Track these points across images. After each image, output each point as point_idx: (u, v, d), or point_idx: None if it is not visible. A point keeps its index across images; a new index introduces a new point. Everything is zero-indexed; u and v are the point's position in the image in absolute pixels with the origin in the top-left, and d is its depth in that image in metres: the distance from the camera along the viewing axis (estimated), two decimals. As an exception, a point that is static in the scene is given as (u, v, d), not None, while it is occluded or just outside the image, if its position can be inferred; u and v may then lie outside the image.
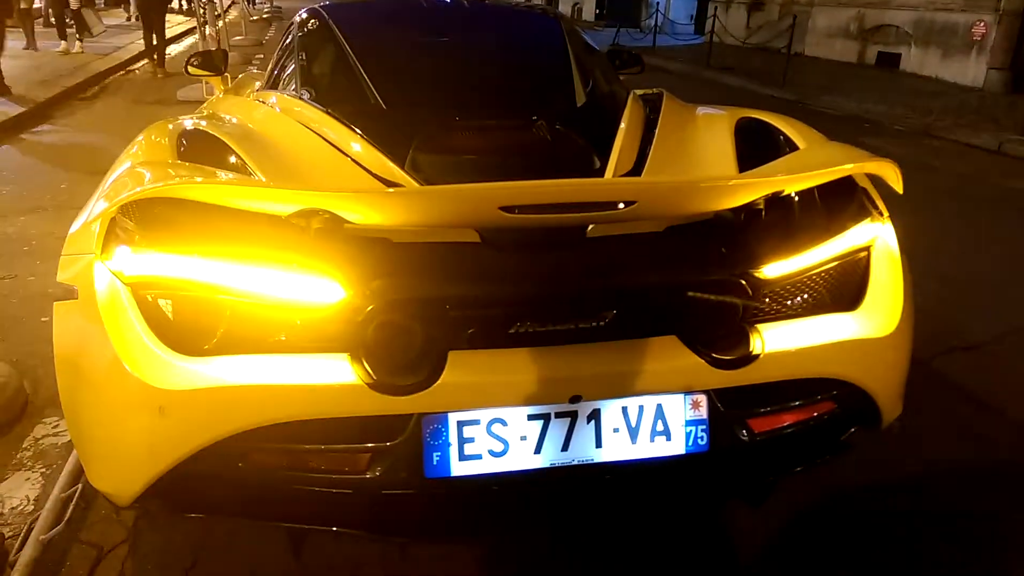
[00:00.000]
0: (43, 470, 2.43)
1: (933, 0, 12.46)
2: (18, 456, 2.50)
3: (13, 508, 2.25)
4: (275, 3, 25.41)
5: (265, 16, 22.27)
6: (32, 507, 2.25)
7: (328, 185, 1.93)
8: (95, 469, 1.73)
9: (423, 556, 2.13)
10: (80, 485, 2.24)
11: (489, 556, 2.16)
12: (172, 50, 14.78)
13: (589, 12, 25.16)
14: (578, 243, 1.72)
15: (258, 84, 3.45)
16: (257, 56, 13.06)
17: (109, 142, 5.85)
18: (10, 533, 2.12)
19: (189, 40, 15.74)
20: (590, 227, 1.73)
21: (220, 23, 11.20)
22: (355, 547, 2.13)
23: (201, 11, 10.51)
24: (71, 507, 2.18)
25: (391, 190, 1.82)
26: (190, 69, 3.80)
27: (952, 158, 7.61)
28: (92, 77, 10.70)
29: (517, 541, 2.19)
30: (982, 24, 11.44)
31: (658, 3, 19.58)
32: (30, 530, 2.10)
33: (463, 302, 1.66)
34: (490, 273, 1.68)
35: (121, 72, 11.88)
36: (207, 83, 5.89)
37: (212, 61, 3.82)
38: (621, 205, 1.59)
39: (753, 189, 1.69)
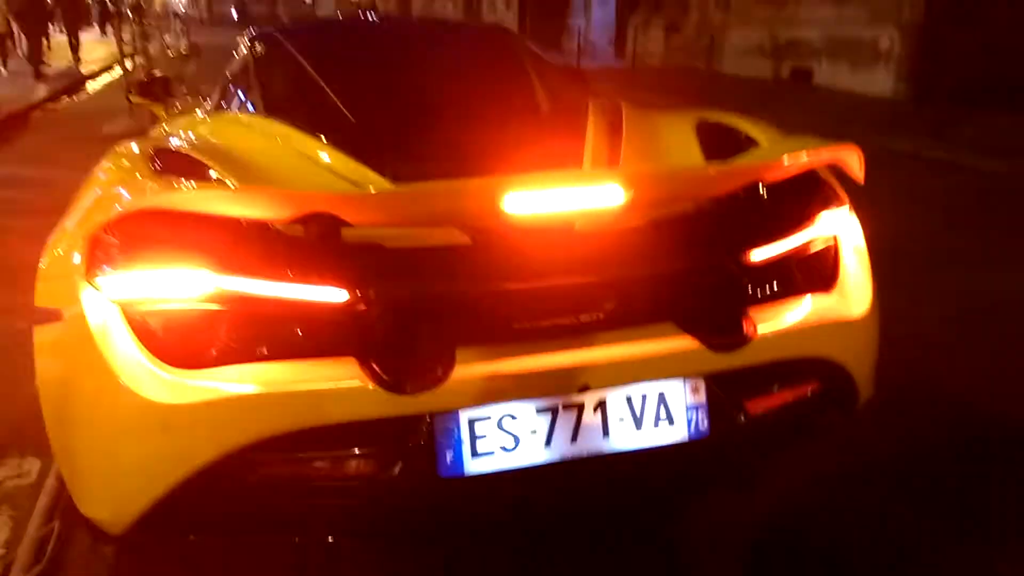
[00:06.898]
0: (11, 512, 2.30)
1: (839, 15, 13.07)
2: (-19, 501, 2.37)
3: (-16, 553, 2.13)
4: (192, 39, 24.94)
5: (184, 53, 21.83)
6: (3, 551, 2.13)
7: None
8: (90, 496, 1.66)
9: (436, 565, 2.10)
10: (56, 523, 2.14)
11: (498, 561, 2.14)
12: (90, 87, 14.36)
13: (510, 38, 25.48)
14: (572, 236, 1.75)
15: (209, 105, 3.39)
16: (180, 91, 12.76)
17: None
18: (-17, 579, 2.01)
19: (105, 78, 15.32)
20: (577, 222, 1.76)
21: (149, 51, 10.87)
22: (360, 568, 2.08)
23: (130, 40, 10.12)
24: (49, 546, 2.08)
25: (389, 188, 1.82)
26: (132, 98, 3.72)
27: (873, 165, 7.93)
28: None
29: (517, 546, 2.17)
30: (886, 37, 12.05)
31: (580, 28, 19.98)
32: (7, 572, 1.99)
33: (465, 299, 1.67)
34: (488, 269, 1.68)
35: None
36: (136, 115, 5.76)
37: (154, 88, 3.74)
38: (613, 196, 1.63)
39: (741, 176, 1.76)
